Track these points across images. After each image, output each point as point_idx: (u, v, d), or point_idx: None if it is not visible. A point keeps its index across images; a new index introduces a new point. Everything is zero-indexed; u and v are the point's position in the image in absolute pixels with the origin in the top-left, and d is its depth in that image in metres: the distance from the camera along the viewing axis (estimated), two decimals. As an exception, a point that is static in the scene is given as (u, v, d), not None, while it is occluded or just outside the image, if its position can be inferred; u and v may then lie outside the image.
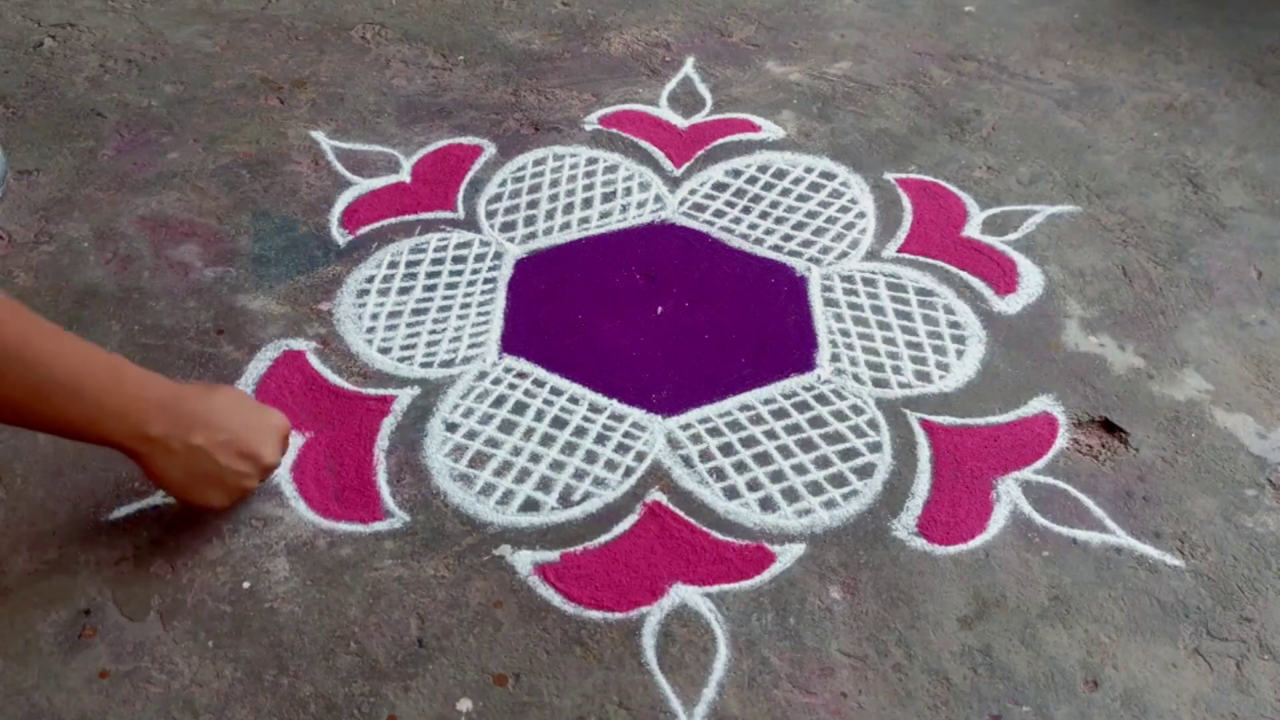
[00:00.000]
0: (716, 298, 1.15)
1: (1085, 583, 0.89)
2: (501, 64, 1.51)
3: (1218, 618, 0.87)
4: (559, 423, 1.02)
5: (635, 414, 1.03)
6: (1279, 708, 0.82)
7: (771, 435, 1.01)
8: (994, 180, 1.32)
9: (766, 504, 0.95)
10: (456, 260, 1.19)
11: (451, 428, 1.01)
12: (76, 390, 0.74)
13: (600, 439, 1.00)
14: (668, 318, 1.13)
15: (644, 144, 1.37)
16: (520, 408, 1.03)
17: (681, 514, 0.94)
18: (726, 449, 1.00)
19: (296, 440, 0.99)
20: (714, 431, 1.01)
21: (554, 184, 1.30)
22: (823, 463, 0.98)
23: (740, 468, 0.98)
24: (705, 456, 0.99)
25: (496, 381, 1.05)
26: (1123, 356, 1.10)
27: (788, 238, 1.23)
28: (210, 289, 1.14)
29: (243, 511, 0.93)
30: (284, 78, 1.47)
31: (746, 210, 1.27)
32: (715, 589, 0.88)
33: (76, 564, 0.89)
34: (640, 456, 0.99)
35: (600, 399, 1.04)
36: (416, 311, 1.13)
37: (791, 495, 0.96)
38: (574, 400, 1.04)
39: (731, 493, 0.96)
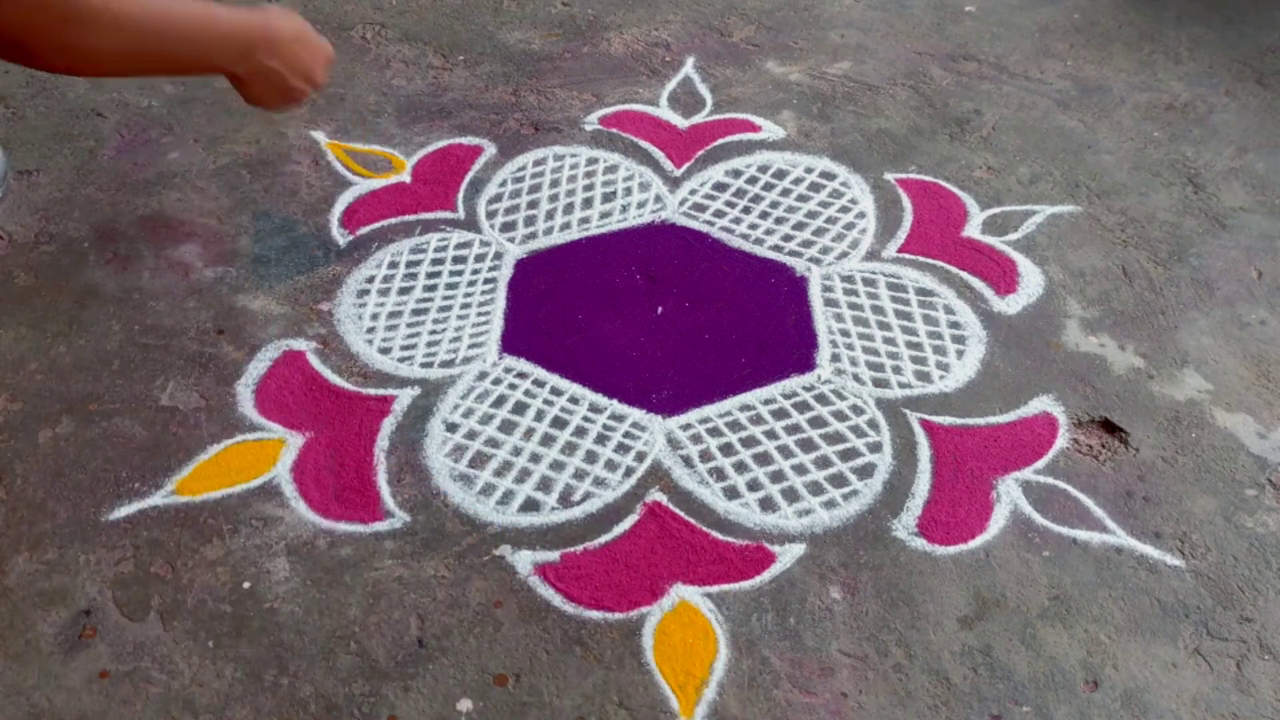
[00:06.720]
0: (716, 298, 1.15)
1: (1085, 583, 0.89)
2: (501, 64, 1.51)
3: (1218, 618, 0.87)
4: (559, 423, 1.02)
5: (635, 414, 1.03)
6: (1279, 708, 0.82)
7: (772, 435, 1.01)
8: (994, 180, 1.32)
9: (766, 504, 0.95)
10: (457, 260, 1.19)
11: (452, 428, 1.01)
12: (192, 36, 0.90)
13: (600, 439, 1.00)
14: (668, 318, 1.13)
15: (644, 144, 1.37)
16: (520, 408, 1.03)
17: (681, 514, 0.94)
18: (726, 449, 1.00)
19: (296, 440, 0.99)
20: (714, 431, 1.01)
21: (554, 184, 1.30)
22: (823, 463, 0.99)
23: (740, 468, 0.98)
24: (705, 456, 0.99)
25: (497, 382, 1.05)
26: (1123, 356, 1.10)
27: (788, 238, 1.23)
28: (210, 289, 1.14)
29: (243, 512, 0.93)
30: (284, 78, 1.47)
31: (747, 210, 1.27)
32: (715, 589, 0.88)
33: (76, 564, 0.89)
34: (640, 456, 0.99)
35: (600, 399, 1.04)
36: (417, 311, 1.13)
37: (791, 495, 0.96)
38: (574, 400, 1.04)
39: (731, 493, 0.96)
